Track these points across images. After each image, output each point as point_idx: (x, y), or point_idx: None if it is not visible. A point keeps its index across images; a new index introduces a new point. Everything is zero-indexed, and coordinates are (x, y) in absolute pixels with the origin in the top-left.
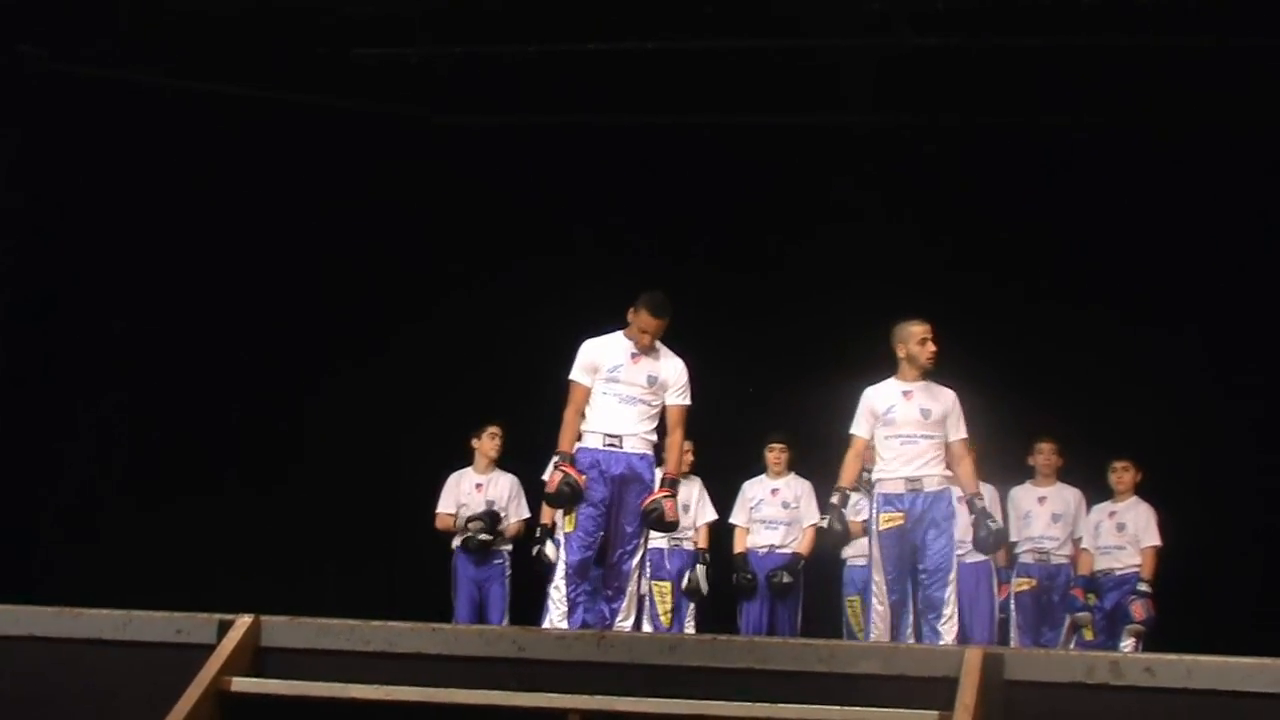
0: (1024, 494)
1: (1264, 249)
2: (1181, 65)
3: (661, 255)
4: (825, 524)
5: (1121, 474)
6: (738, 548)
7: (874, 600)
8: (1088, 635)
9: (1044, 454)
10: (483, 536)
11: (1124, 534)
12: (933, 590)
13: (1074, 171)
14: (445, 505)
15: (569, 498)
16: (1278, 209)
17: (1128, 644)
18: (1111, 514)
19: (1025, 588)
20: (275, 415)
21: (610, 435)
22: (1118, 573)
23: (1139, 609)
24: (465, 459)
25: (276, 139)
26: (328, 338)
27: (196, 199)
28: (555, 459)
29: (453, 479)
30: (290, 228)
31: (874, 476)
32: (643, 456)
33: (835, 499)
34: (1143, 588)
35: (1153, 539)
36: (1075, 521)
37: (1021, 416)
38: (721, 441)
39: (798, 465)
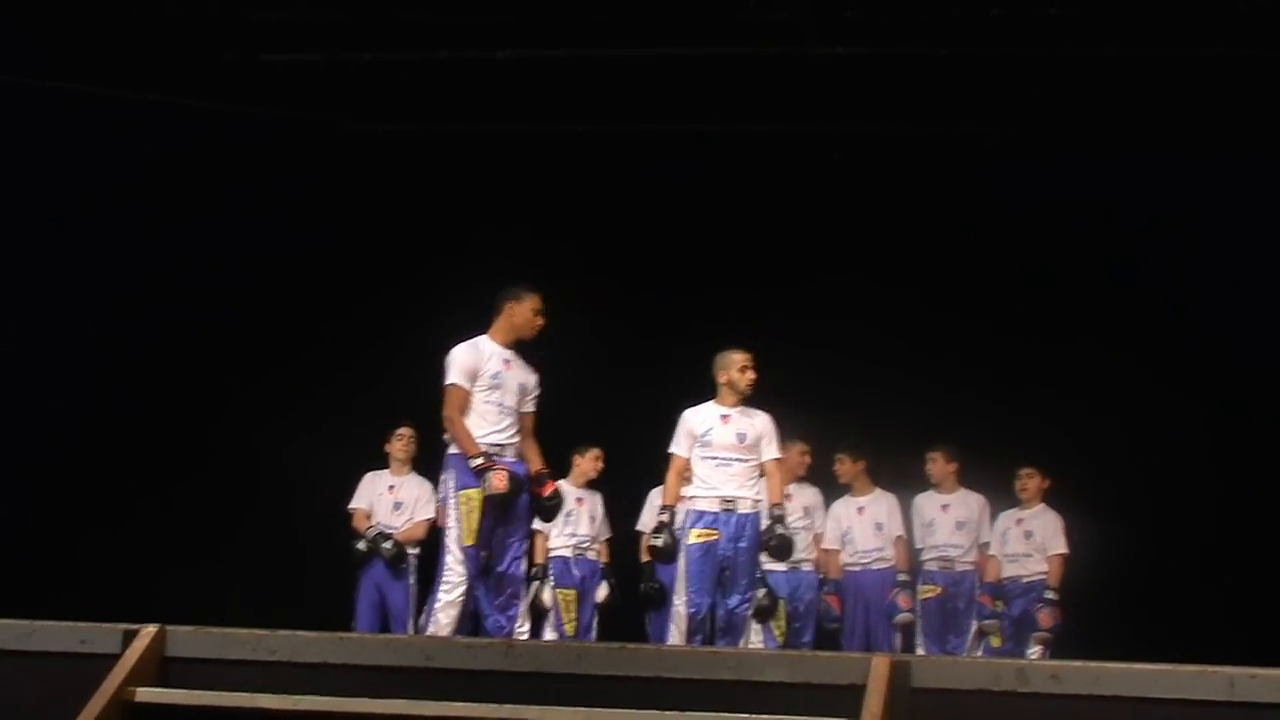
0: (927, 502)
1: (1162, 256)
2: (1086, 76)
3: (569, 262)
4: (658, 541)
5: (1026, 481)
6: (645, 556)
7: (675, 607)
8: (995, 642)
9: (934, 462)
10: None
11: (1031, 541)
12: (737, 610)
13: (974, 179)
14: (358, 501)
15: (516, 491)
16: (1175, 217)
17: (1035, 651)
18: (1019, 521)
19: (930, 595)
20: (182, 421)
21: (495, 444)
22: (1025, 580)
23: (1046, 616)
24: (379, 464)
25: (183, 144)
26: (236, 343)
27: (101, 205)
28: (477, 462)
29: (368, 477)
30: (196, 234)
31: (689, 494)
32: (519, 463)
33: (664, 516)
34: (1050, 595)
35: (1060, 547)
36: (980, 528)
37: (921, 425)
38: (624, 453)
39: None
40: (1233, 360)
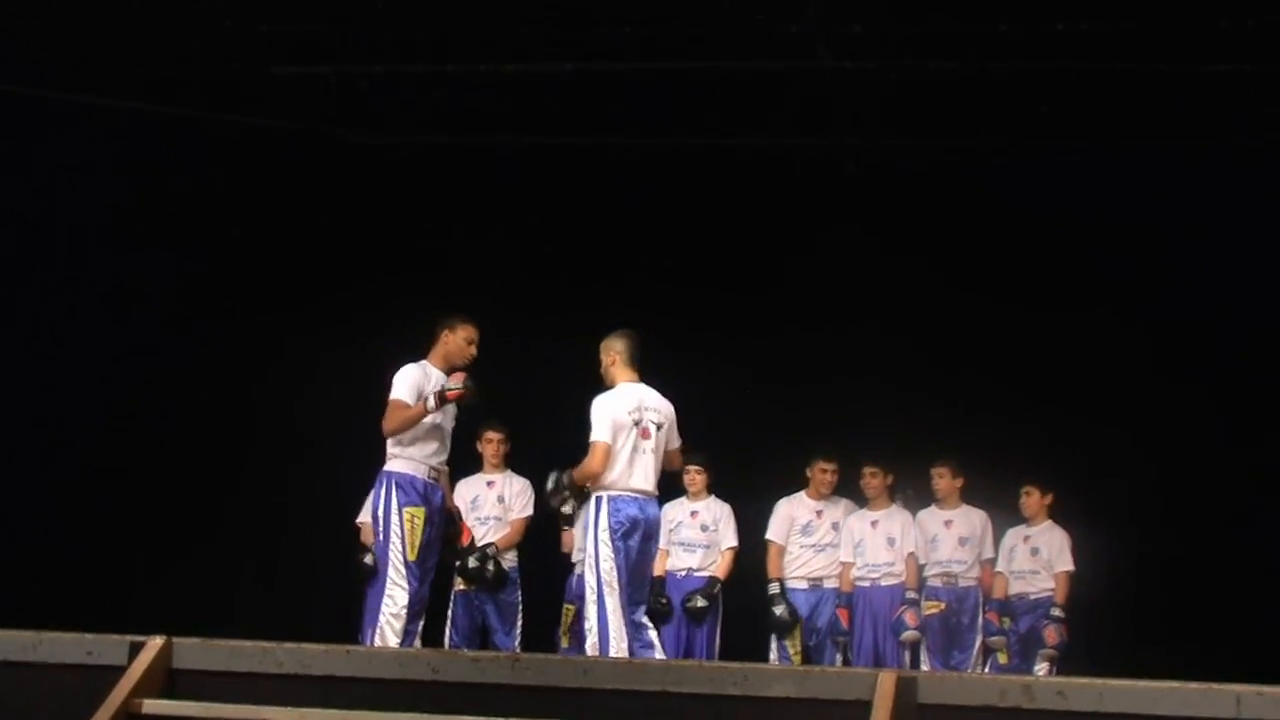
0: (930, 518)
1: (1168, 262)
2: (1095, 91)
3: (577, 273)
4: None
5: (1026, 499)
6: (657, 571)
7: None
8: (1002, 659)
9: (941, 477)
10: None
11: (1038, 558)
12: None
13: (981, 193)
14: (365, 515)
15: (473, 392)
16: (1179, 228)
17: (1041, 668)
18: (1026, 538)
19: (933, 611)
20: (189, 430)
21: (435, 468)
22: (1032, 597)
23: (1052, 633)
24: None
25: (195, 155)
26: (244, 351)
27: (110, 215)
28: (431, 404)
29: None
30: (205, 244)
31: None
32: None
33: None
34: (1056, 612)
35: (1066, 564)
36: (983, 544)
37: (920, 441)
38: None
39: (717, 488)
40: (1236, 375)
